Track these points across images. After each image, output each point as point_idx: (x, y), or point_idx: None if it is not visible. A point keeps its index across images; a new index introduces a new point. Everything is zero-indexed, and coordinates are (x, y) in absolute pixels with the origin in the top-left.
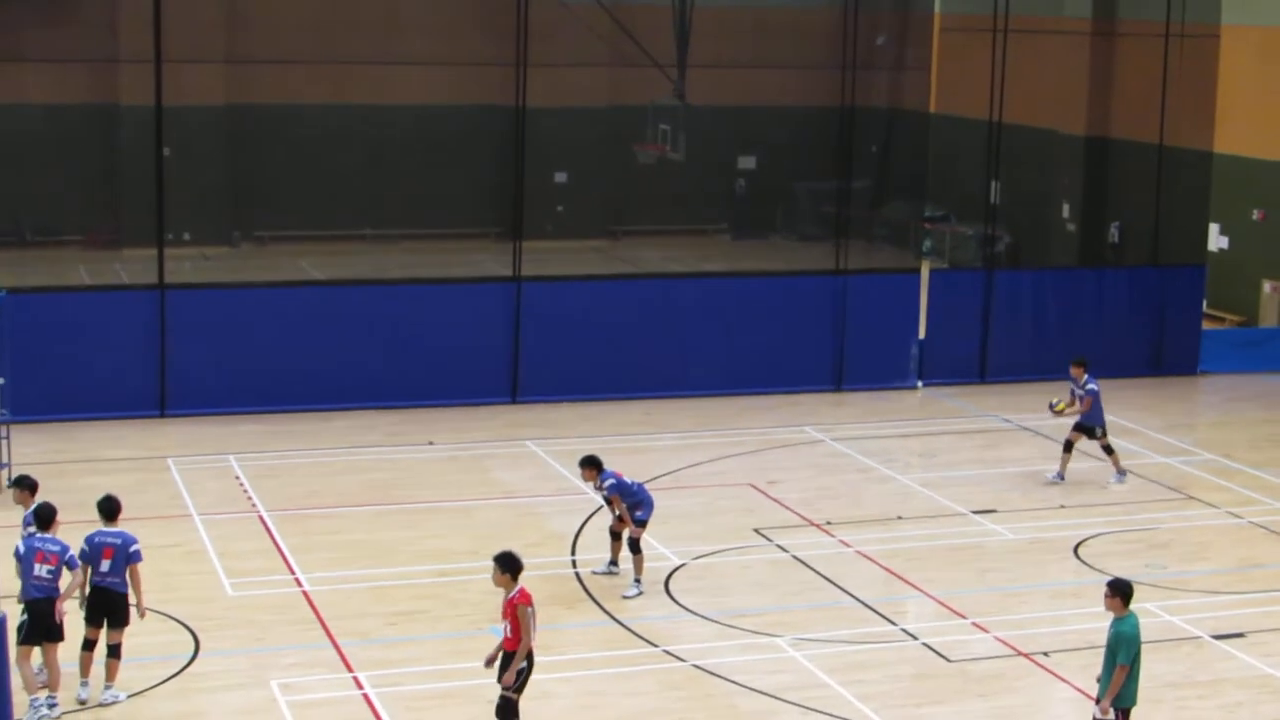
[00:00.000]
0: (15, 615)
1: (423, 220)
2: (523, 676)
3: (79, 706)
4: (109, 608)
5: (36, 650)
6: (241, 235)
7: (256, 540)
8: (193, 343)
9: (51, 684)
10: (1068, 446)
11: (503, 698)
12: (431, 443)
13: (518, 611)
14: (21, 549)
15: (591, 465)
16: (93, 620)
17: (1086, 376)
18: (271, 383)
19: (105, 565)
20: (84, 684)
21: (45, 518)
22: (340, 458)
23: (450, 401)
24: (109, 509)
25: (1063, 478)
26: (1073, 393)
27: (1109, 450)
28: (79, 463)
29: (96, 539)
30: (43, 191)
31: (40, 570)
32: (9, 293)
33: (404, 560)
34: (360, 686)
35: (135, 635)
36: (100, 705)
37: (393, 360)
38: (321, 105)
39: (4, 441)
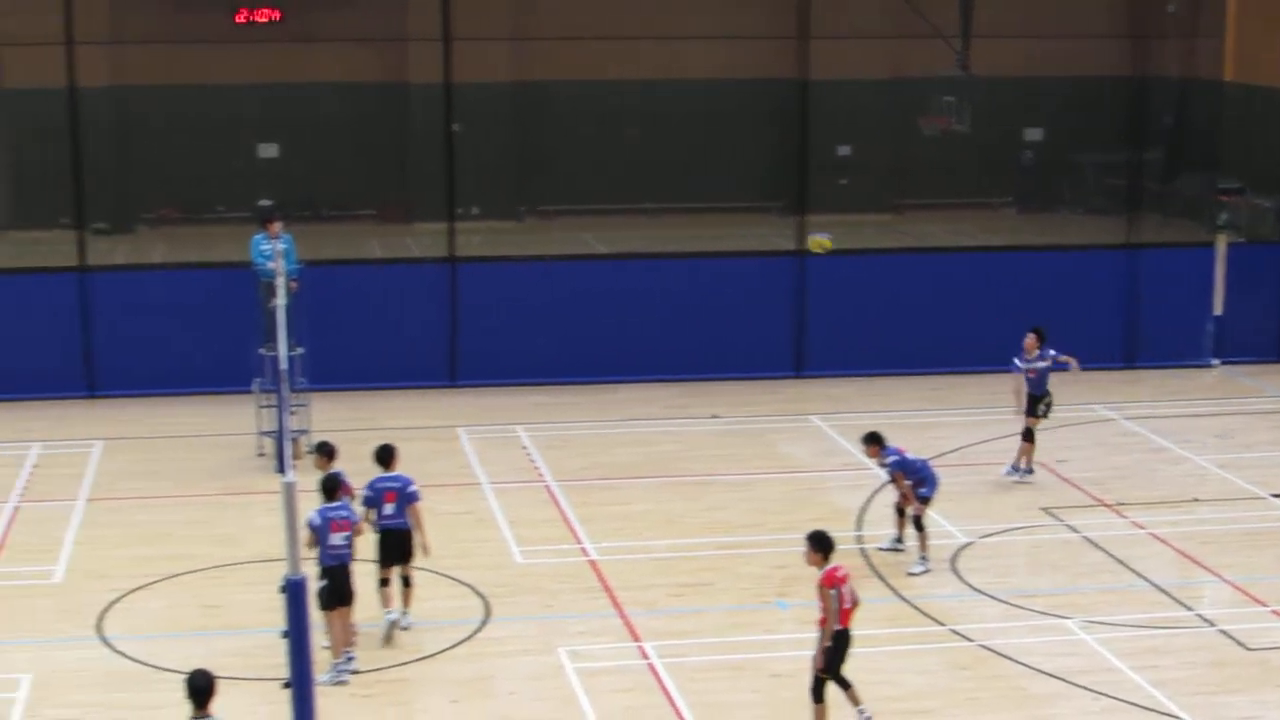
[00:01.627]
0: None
1: (704, 194)
2: (831, 656)
3: (400, 630)
4: (397, 546)
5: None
6: (527, 210)
7: (544, 509)
8: (481, 315)
9: (348, 642)
10: None
11: (815, 676)
12: (715, 415)
13: (822, 592)
14: (318, 520)
15: (874, 441)
16: (386, 560)
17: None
18: (557, 355)
19: (389, 508)
20: (389, 611)
21: (330, 488)
22: (624, 429)
23: (733, 375)
24: (385, 456)
25: None
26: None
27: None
28: (373, 431)
29: (378, 484)
30: (337, 168)
31: (335, 539)
32: (307, 265)
33: (688, 532)
34: (645, 656)
35: (429, 600)
36: (401, 629)
37: (675, 333)
38: (605, 81)
39: (304, 409)
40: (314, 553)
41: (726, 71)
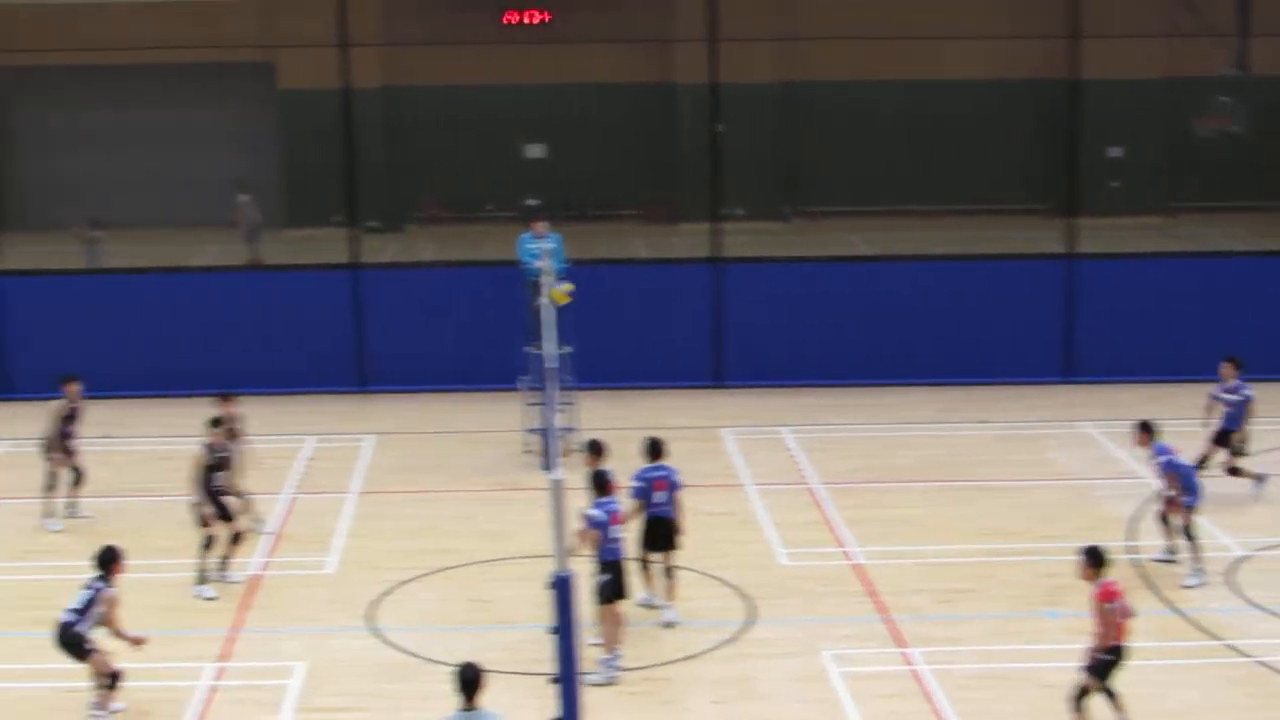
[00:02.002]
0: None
1: (971, 196)
2: (1104, 669)
3: (665, 628)
4: (665, 534)
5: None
6: (793, 211)
7: (808, 512)
8: (746, 315)
9: (619, 639)
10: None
11: (1080, 686)
12: (984, 420)
13: (1098, 607)
14: (601, 515)
15: (1146, 430)
16: (652, 546)
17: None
18: (823, 356)
19: (660, 496)
20: (652, 594)
21: (602, 483)
22: (892, 433)
23: (1001, 379)
24: (656, 449)
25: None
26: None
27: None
28: (638, 430)
29: (647, 474)
30: (603, 168)
31: (615, 532)
32: (573, 265)
33: (956, 538)
34: (911, 662)
35: (693, 599)
36: (665, 625)
37: (941, 336)
38: (871, 81)
39: (570, 407)
40: (589, 548)
41: (995, 71)
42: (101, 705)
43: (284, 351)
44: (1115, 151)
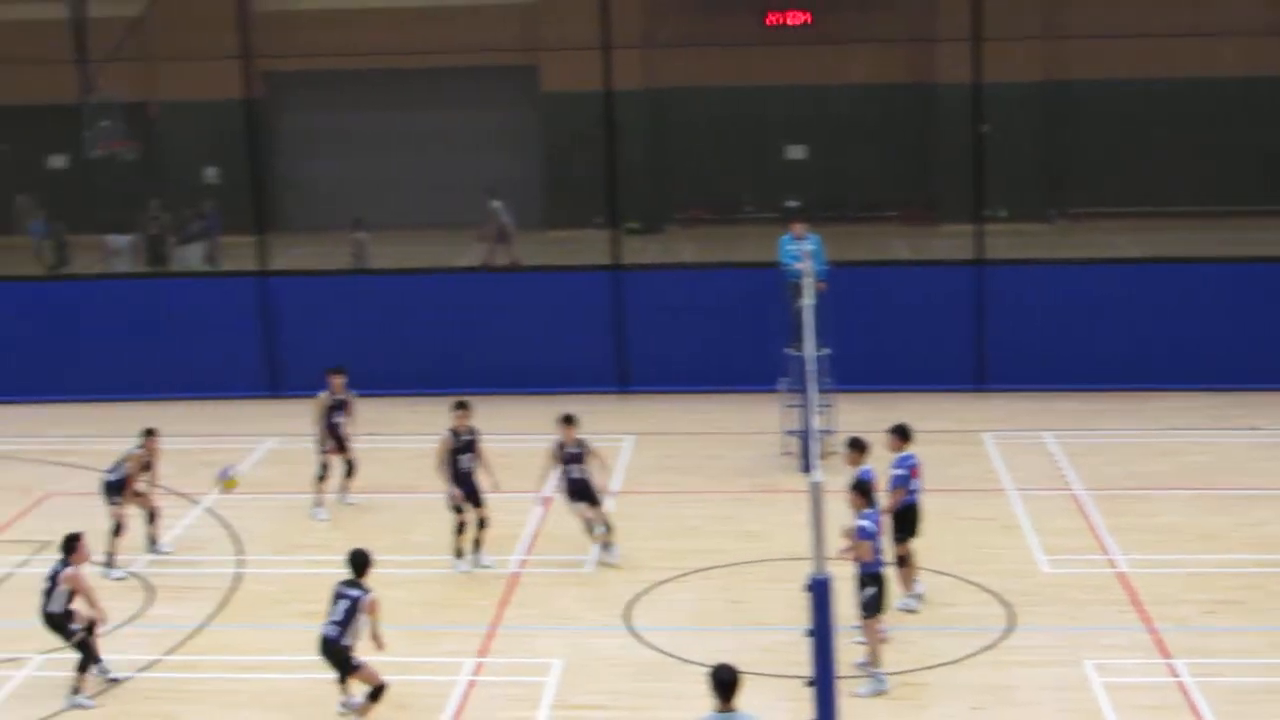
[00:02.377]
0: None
1: (1241, 196)
2: None
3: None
4: (916, 520)
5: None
6: (1058, 212)
7: (1071, 518)
8: (1008, 318)
9: (881, 652)
10: None
11: None
12: (1254, 428)
13: None
14: (873, 526)
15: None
16: (908, 536)
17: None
18: (1087, 360)
19: (915, 483)
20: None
21: (865, 490)
22: (1157, 439)
23: (1273, 385)
24: (906, 433)
25: None
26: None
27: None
28: None
29: (906, 462)
30: (863, 170)
31: (881, 543)
32: (833, 266)
33: (1225, 547)
34: (1176, 674)
35: (951, 605)
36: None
37: (1210, 340)
38: (1138, 80)
39: (829, 409)
40: (860, 558)
41: (1270, 68)
42: (361, 714)
43: (546, 351)
44: None
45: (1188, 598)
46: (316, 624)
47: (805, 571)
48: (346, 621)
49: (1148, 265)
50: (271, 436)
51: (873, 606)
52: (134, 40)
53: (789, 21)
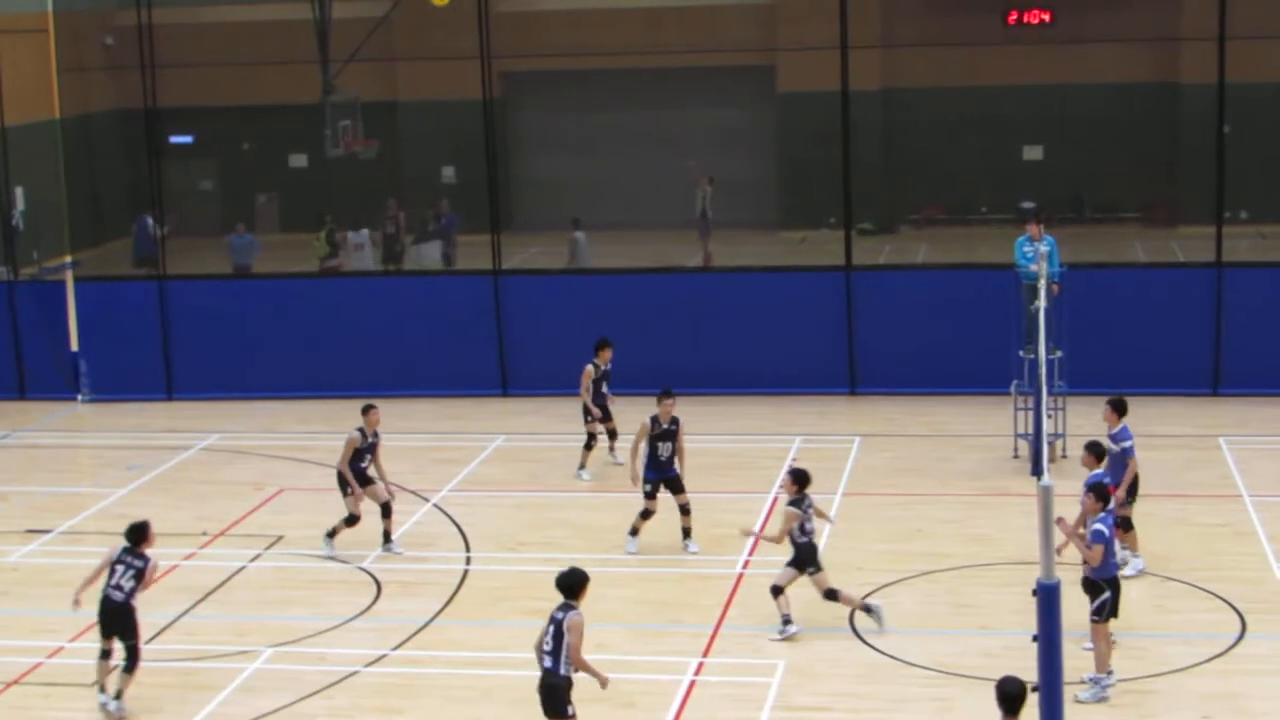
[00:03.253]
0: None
1: None
2: None
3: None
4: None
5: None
6: None
7: None
8: (1247, 321)
9: (1109, 658)
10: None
11: None
12: None
13: None
14: (1107, 530)
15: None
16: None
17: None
18: None
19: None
20: None
21: (1102, 493)
22: None
23: None
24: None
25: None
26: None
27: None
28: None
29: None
30: (1102, 170)
31: (1116, 547)
32: (1070, 268)
33: None
34: None
35: (1180, 612)
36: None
37: None
38: None
39: (1060, 412)
40: (1092, 562)
41: None
42: None
43: (779, 352)
44: None
45: None
46: (540, 620)
47: (1033, 576)
48: (556, 649)
49: None
50: (500, 434)
51: (1104, 611)
52: (376, 40)
53: (1029, 20)
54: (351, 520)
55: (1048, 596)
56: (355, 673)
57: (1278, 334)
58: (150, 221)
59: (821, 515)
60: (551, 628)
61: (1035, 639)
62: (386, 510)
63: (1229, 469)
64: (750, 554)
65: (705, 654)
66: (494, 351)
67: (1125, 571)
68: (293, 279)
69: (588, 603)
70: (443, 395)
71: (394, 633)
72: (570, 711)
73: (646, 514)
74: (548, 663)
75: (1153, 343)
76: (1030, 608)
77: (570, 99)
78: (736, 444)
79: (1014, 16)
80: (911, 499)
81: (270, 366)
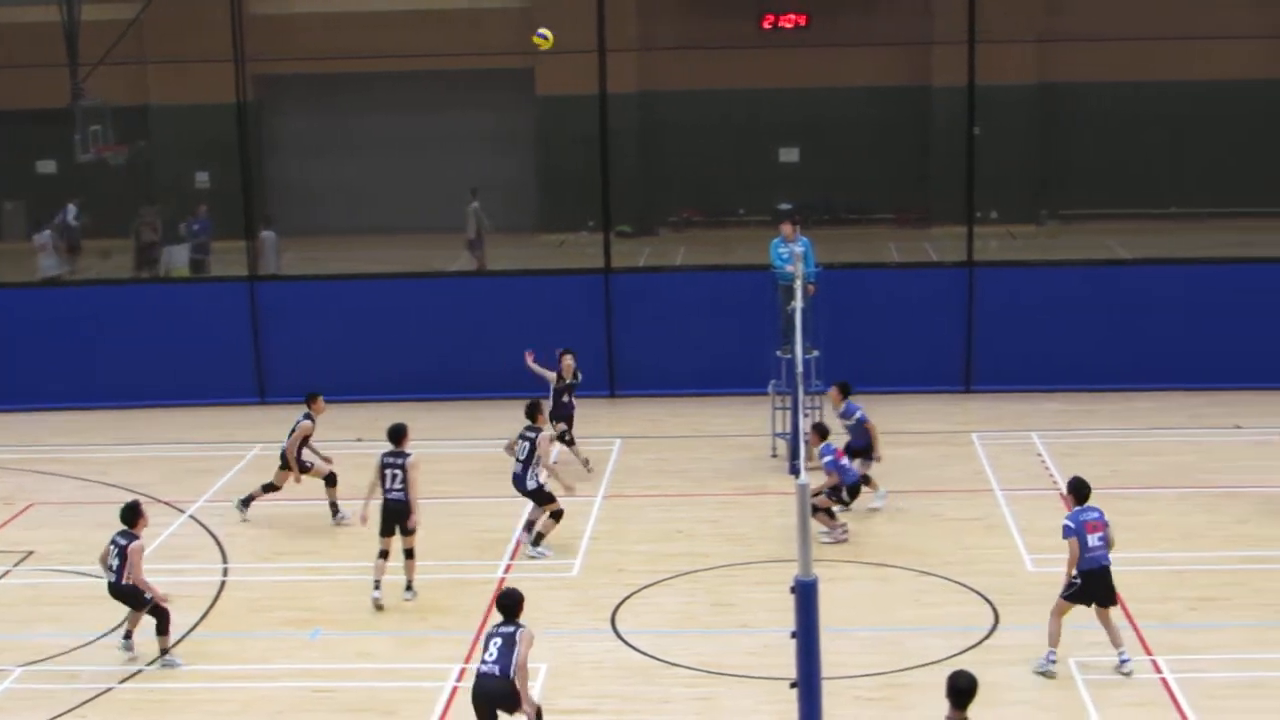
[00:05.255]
0: None
1: (1233, 198)
2: None
3: None
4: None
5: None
6: (1048, 213)
7: (1057, 517)
8: (998, 319)
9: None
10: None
11: None
12: (1237, 426)
13: None
14: (1074, 525)
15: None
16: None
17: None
18: (1075, 361)
19: (1094, 539)
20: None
21: (1081, 491)
22: (1142, 438)
23: (1256, 384)
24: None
25: None
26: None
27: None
28: (884, 434)
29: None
30: (856, 172)
31: (1094, 540)
32: (825, 269)
33: (1207, 544)
34: (1159, 670)
35: (937, 605)
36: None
37: (1196, 340)
38: (1130, 82)
39: (817, 411)
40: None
41: (1259, 71)
42: None
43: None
44: None
45: (1171, 595)
46: (302, 630)
47: (792, 574)
48: (503, 660)
49: (1134, 266)
50: (258, 443)
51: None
52: (127, 43)
53: (784, 24)
54: (270, 488)
55: (805, 594)
56: (109, 689)
57: (1027, 332)
58: None
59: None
60: (498, 640)
61: (794, 636)
62: (332, 479)
63: (981, 464)
64: (512, 558)
65: (468, 659)
66: (250, 359)
67: (873, 503)
68: (40, 288)
69: (355, 611)
70: (198, 404)
71: (150, 647)
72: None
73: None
74: (493, 670)
75: (907, 341)
76: (789, 605)
77: (328, 102)
78: (498, 449)
79: (769, 20)
80: (672, 500)
81: (18, 378)
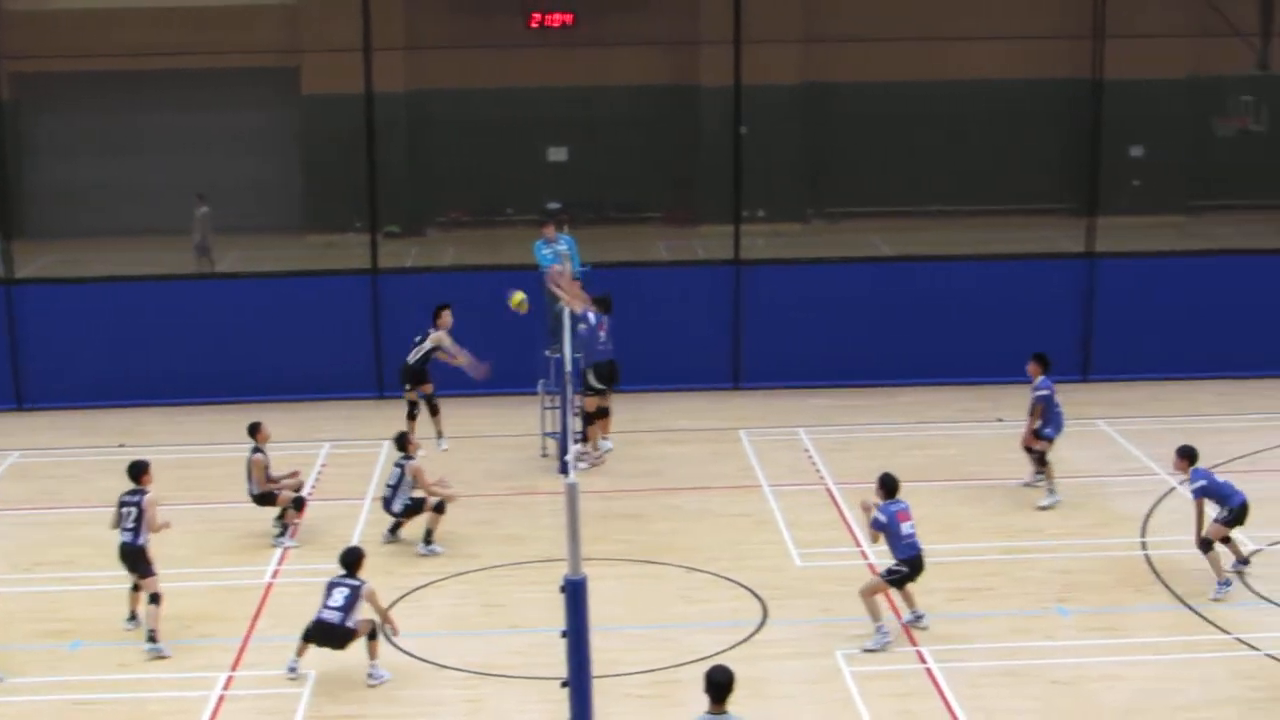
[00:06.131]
0: None
1: (993, 196)
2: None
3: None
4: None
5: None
6: (814, 212)
7: (824, 512)
8: (766, 317)
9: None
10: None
11: None
12: (1000, 419)
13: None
14: (884, 517)
15: (1184, 457)
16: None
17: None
18: (840, 357)
19: (907, 527)
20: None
21: (890, 486)
22: (908, 433)
23: (1018, 379)
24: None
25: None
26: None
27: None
28: (655, 432)
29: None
30: (625, 171)
31: (907, 529)
32: (594, 268)
33: (969, 536)
34: (924, 661)
35: (707, 601)
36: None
37: (960, 336)
38: (894, 82)
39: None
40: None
41: (1017, 71)
42: (373, 658)
43: (304, 357)
44: (1136, 151)
45: (935, 586)
46: (61, 642)
47: (561, 573)
48: (348, 607)
49: (898, 264)
50: (14, 451)
51: (892, 580)
52: None
53: (551, 23)
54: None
55: (575, 592)
56: None
57: (794, 329)
58: None
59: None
60: (344, 590)
61: (564, 635)
62: (300, 504)
63: (749, 460)
64: (280, 563)
65: (234, 667)
66: (7, 365)
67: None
68: None
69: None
70: None
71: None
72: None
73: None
74: (334, 618)
75: (676, 339)
76: (560, 604)
77: (86, 101)
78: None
79: (536, 19)
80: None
81: None
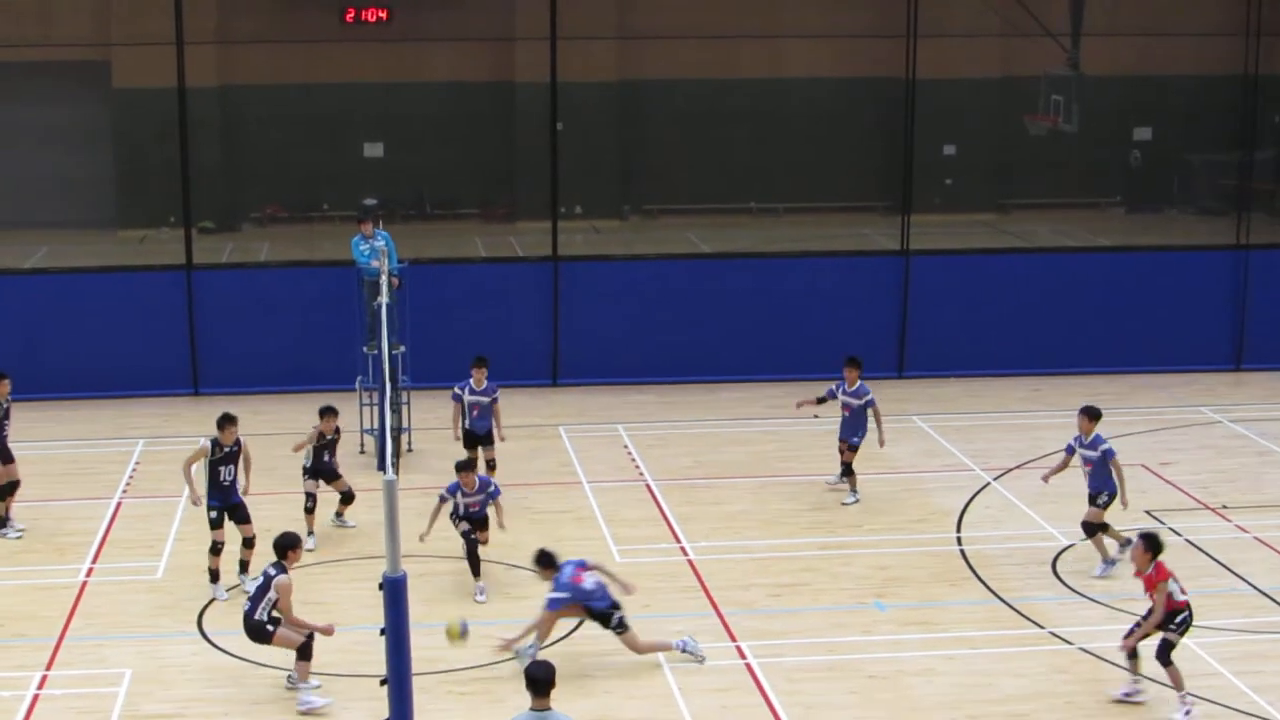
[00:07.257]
0: None
1: (809, 194)
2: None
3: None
4: None
5: None
6: (631, 209)
7: (643, 508)
8: (584, 313)
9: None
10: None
11: (1163, 640)
12: (816, 415)
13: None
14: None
15: (1092, 418)
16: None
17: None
18: (659, 354)
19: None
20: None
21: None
22: (726, 429)
23: (836, 374)
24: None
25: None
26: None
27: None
28: None
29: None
30: (442, 167)
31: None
32: (411, 264)
33: (787, 532)
34: (743, 656)
35: (528, 598)
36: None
37: (778, 333)
38: (710, 80)
39: (405, 407)
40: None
41: (832, 70)
42: (302, 677)
43: (117, 354)
44: (949, 149)
45: (754, 582)
46: None
47: (380, 570)
48: (258, 596)
49: (715, 260)
50: None
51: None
52: None
53: (366, 18)
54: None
55: (394, 590)
56: None
57: (612, 325)
58: None
59: None
60: (260, 581)
61: (383, 633)
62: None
63: (569, 456)
64: (94, 561)
65: (49, 666)
66: None
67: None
68: None
69: None
70: None
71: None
72: (272, 630)
73: (215, 547)
74: (247, 607)
75: (494, 336)
76: (379, 601)
77: None
78: (78, 449)
79: (351, 14)
80: (259, 499)
81: None
